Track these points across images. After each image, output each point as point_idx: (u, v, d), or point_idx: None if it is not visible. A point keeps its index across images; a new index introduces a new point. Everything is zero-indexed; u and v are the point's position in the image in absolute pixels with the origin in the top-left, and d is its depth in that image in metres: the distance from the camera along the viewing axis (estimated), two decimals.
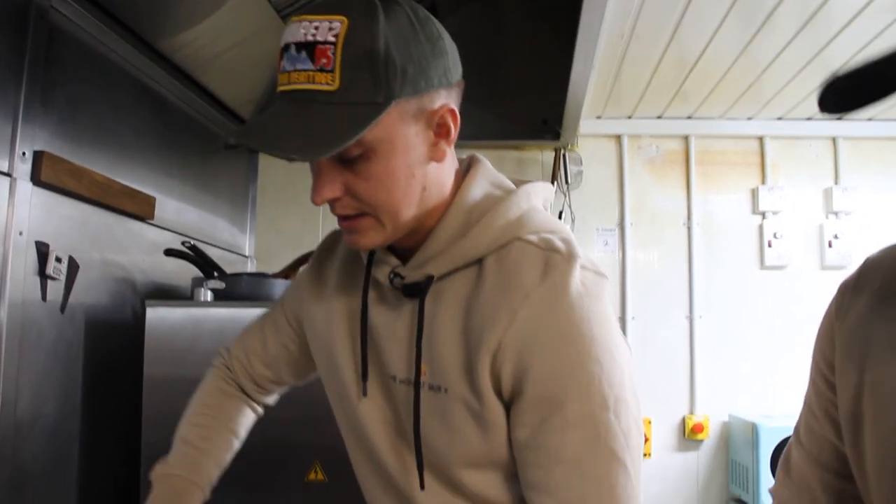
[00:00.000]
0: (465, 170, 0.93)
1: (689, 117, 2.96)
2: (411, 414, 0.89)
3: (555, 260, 0.83)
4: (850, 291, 0.79)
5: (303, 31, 0.77)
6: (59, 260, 1.61)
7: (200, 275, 2.00)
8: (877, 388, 0.70)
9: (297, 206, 2.94)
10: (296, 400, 1.54)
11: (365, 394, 0.95)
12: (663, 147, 3.00)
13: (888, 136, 2.93)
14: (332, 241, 1.10)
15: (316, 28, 0.76)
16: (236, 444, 1.16)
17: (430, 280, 0.88)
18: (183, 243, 2.00)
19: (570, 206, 2.90)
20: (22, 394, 1.51)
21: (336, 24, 0.76)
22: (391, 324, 0.92)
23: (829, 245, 2.89)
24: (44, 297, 1.59)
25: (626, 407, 0.81)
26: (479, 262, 0.87)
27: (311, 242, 1.13)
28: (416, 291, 0.89)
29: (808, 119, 2.91)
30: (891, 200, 2.93)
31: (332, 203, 0.84)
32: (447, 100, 0.84)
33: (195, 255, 1.99)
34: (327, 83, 0.76)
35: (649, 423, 2.85)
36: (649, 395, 2.83)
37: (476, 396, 0.84)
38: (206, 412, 1.15)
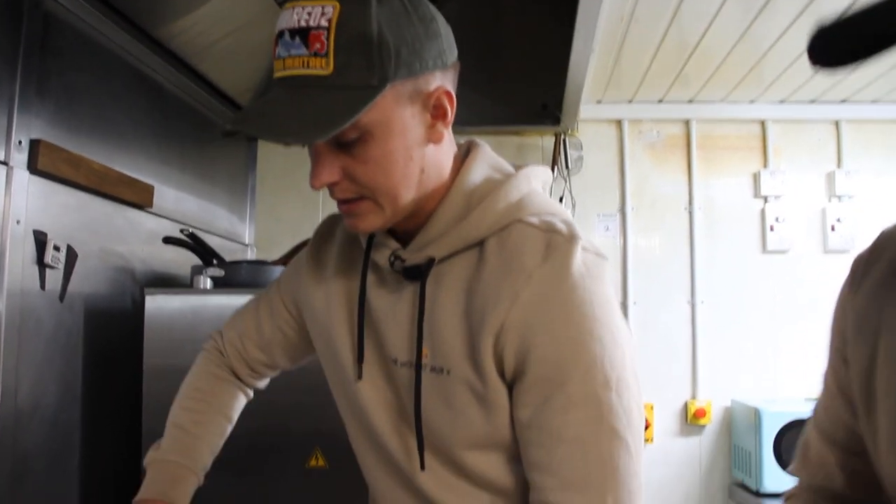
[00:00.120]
0: (465, 154, 0.94)
1: (690, 101, 2.94)
2: (412, 396, 0.89)
3: (556, 241, 0.84)
4: (864, 265, 0.78)
5: (296, 16, 0.77)
6: (57, 248, 1.61)
7: (200, 263, 2.00)
8: (889, 360, 0.69)
9: (297, 193, 2.94)
10: (296, 387, 1.54)
11: (360, 377, 0.95)
12: (664, 131, 2.98)
13: (892, 118, 2.91)
14: (329, 225, 1.09)
15: (309, 13, 0.77)
16: (228, 429, 1.16)
17: (431, 262, 0.88)
18: (181, 231, 2.00)
19: (570, 192, 2.89)
20: (22, 383, 1.51)
21: (329, 9, 0.76)
22: (391, 307, 0.93)
23: (832, 229, 2.88)
24: (42, 286, 1.58)
25: (628, 387, 0.82)
26: (480, 244, 0.88)
27: (311, 230, 1.12)
28: (417, 274, 0.89)
29: (811, 102, 2.90)
30: (894, 184, 2.92)
31: (331, 187, 0.84)
32: (443, 81, 0.84)
33: (193, 243, 1.98)
34: (321, 68, 0.76)
35: (651, 408, 2.85)
36: (651, 381, 2.83)
37: (479, 377, 0.84)
38: (198, 396, 1.14)
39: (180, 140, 2.30)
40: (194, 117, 2.41)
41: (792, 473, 0.95)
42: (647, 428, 2.77)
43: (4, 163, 1.47)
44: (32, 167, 1.53)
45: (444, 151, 0.89)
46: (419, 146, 0.84)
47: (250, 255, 2.86)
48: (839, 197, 2.91)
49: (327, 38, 0.76)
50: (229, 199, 2.73)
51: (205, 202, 2.48)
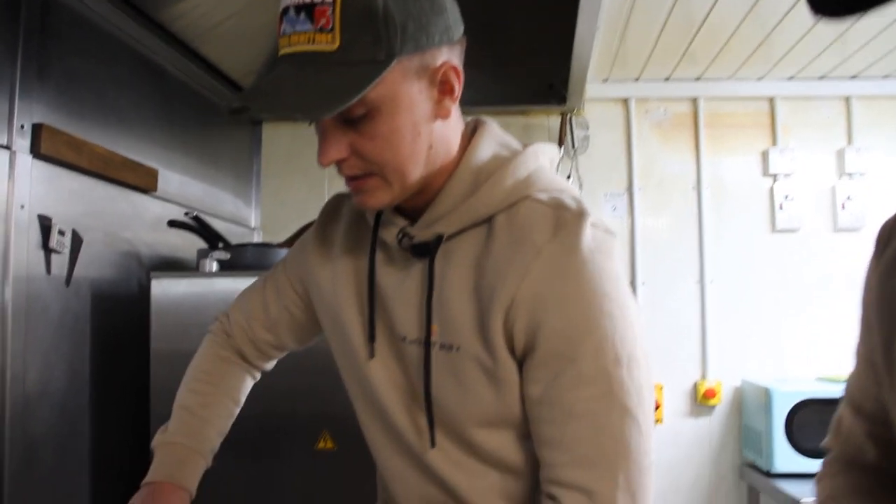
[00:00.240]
0: (472, 132, 0.93)
1: (697, 79, 2.90)
2: (421, 374, 0.89)
3: (565, 217, 0.84)
4: (888, 232, 0.78)
5: None
6: (62, 233, 1.61)
7: (205, 246, 1.99)
8: None
9: (302, 176, 2.93)
10: (304, 369, 1.54)
11: (372, 355, 0.95)
12: (671, 110, 2.95)
13: None
14: (335, 204, 1.09)
15: None
16: (235, 412, 1.16)
17: (439, 239, 0.88)
18: (186, 214, 1.99)
19: (577, 172, 2.87)
20: (30, 368, 1.51)
21: None
22: (400, 284, 0.92)
23: (842, 207, 2.85)
24: (48, 271, 1.58)
25: (638, 364, 0.82)
26: (489, 221, 0.88)
27: (317, 212, 1.12)
28: (426, 251, 0.89)
29: (821, 78, 2.86)
30: None
31: (339, 164, 0.84)
32: (449, 56, 0.84)
33: (198, 226, 1.98)
34: (327, 43, 0.76)
35: (661, 388, 2.84)
36: (660, 361, 2.82)
37: (489, 353, 0.84)
38: (205, 379, 1.14)
39: (184, 124, 2.29)
40: (197, 101, 2.40)
41: (824, 447, 0.95)
42: (656, 409, 2.77)
43: (7, 147, 1.47)
44: (35, 151, 1.53)
45: (452, 127, 0.89)
46: (427, 122, 0.84)
47: (256, 238, 2.86)
48: (849, 174, 2.87)
49: (333, 14, 0.75)
50: (234, 182, 2.73)
51: (210, 186, 2.48)
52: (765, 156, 2.90)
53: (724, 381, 2.85)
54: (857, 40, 2.47)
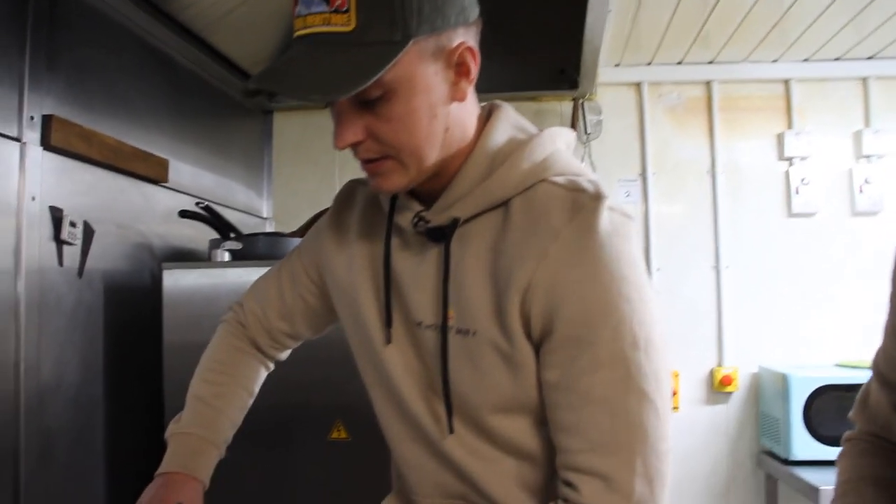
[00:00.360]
0: (487, 116, 0.92)
1: (710, 62, 2.86)
2: (439, 359, 0.89)
3: (582, 200, 0.83)
4: None
5: None
6: (73, 224, 1.61)
7: (217, 237, 1.99)
8: None
9: (313, 166, 2.92)
10: (317, 360, 1.53)
11: (389, 341, 0.95)
12: (685, 94, 2.91)
13: None
14: (350, 191, 1.08)
15: None
16: (249, 402, 1.15)
17: (455, 223, 0.88)
18: (197, 204, 1.99)
19: (590, 157, 2.84)
20: (44, 360, 1.51)
21: None
22: (415, 269, 0.92)
23: (860, 190, 2.81)
24: (60, 263, 1.58)
25: (656, 348, 0.81)
26: (505, 204, 0.87)
27: (328, 201, 1.11)
28: (441, 235, 0.89)
29: (837, 60, 2.81)
30: None
31: (355, 147, 0.83)
32: (465, 38, 0.83)
33: (210, 216, 1.97)
34: (343, 24, 0.75)
35: (677, 375, 2.82)
36: (676, 348, 2.79)
37: (506, 338, 0.84)
38: (219, 369, 1.13)
39: (194, 114, 2.29)
40: (208, 91, 2.39)
41: (850, 420, 0.94)
42: (672, 396, 2.75)
43: (17, 139, 1.47)
44: (45, 143, 1.53)
45: (468, 110, 0.88)
46: (443, 104, 0.83)
47: (269, 228, 2.86)
48: (867, 157, 2.82)
49: None
50: (246, 173, 2.73)
51: (221, 176, 2.48)
52: (780, 139, 2.86)
53: (741, 367, 2.83)
54: (873, 20, 2.43)
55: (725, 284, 2.85)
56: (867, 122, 2.84)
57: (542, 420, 0.87)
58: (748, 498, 2.80)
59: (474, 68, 0.84)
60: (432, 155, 0.84)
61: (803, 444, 2.39)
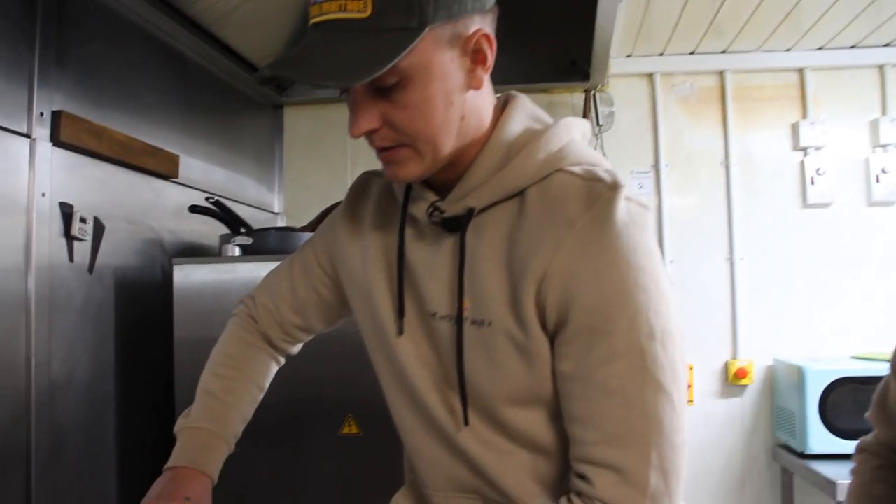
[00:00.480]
0: (503, 106, 0.92)
1: (723, 52, 2.83)
2: (453, 350, 0.88)
3: (599, 189, 0.82)
4: None
5: None
6: (83, 220, 1.61)
7: (228, 232, 1.99)
8: None
9: (324, 160, 2.92)
10: (328, 355, 1.53)
11: (401, 332, 0.94)
12: (697, 84, 2.88)
13: None
14: (364, 182, 1.08)
15: None
16: (259, 397, 1.15)
17: (470, 212, 0.87)
18: (207, 199, 1.99)
19: (602, 149, 2.82)
20: (55, 356, 1.52)
21: None
22: (430, 260, 0.91)
23: (877, 180, 2.77)
24: (71, 259, 1.58)
25: (672, 339, 0.80)
26: (521, 194, 0.86)
27: (339, 196, 1.11)
28: (456, 225, 0.88)
29: (852, 47, 2.77)
30: None
31: (371, 135, 0.83)
32: (482, 25, 0.82)
33: (220, 211, 1.97)
34: (359, 11, 0.75)
35: (691, 368, 2.80)
36: (690, 341, 2.73)
37: (521, 328, 0.83)
38: (229, 363, 1.13)
39: (204, 109, 2.28)
40: (218, 85, 2.39)
41: (867, 420, 0.92)
42: (687, 389, 2.73)
43: (27, 135, 1.47)
44: (55, 139, 1.53)
45: (484, 98, 0.88)
46: (459, 92, 0.83)
47: (280, 223, 2.86)
48: (884, 146, 2.79)
49: None
50: (257, 168, 2.72)
51: (232, 172, 2.47)
52: (795, 129, 2.83)
53: (756, 360, 2.80)
54: (890, 7, 2.39)
55: (740, 276, 2.82)
56: (884, 111, 2.81)
57: (557, 412, 0.86)
58: (763, 492, 2.78)
59: (491, 56, 0.83)
60: (448, 143, 0.84)
61: (819, 438, 2.37)
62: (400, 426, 1.01)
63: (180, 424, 1.07)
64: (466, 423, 0.90)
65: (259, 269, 1.79)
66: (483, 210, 0.87)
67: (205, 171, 2.24)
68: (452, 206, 0.88)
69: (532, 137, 0.87)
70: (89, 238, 1.64)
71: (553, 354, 0.84)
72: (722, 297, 2.83)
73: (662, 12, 2.45)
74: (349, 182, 1.10)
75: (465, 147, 0.87)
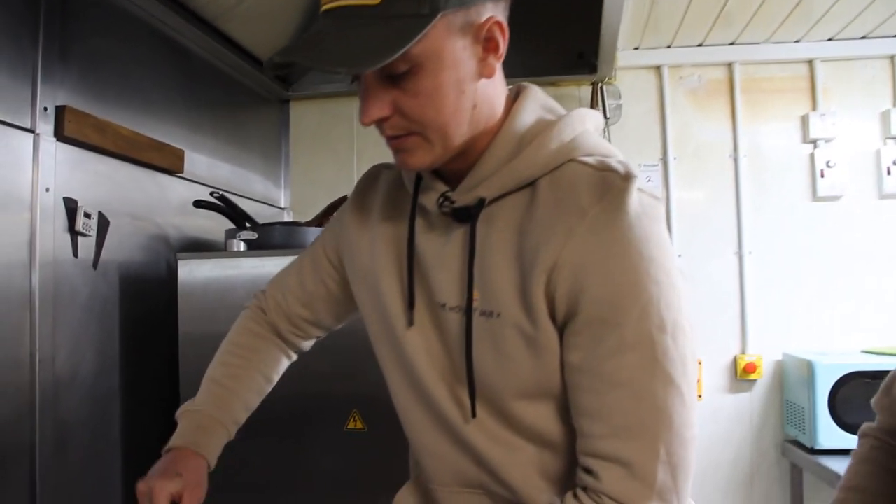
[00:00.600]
0: (515, 97, 0.91)
1: (732, 43, 2.80)
2: (461, 342, 0.88)
3: (612, 179, 0.81)
4: None
5: None
6: (88, 216, 1.60)
7: (234, 227, 1.98)
8: None
9: (331, 155, 2.91)
10: (333, 351, 1.52)
11: (411, 323, 0.93)
12: (706, 76, 2.86)
13: None
14: (374, 174, 1.08)
15: None
16: (266, 388, 1.15)
17: (481, 203, 0.86)
18: (211, 193, 1.98)
19: (609, 142, 2.79)
20: (59, 351, 1.52)
21: None
22: (440, 250, 0.91)
23: (888, 172, 2.74)
24: (75, 254, 1.58)
25: (683, 332, 0.80)
26: (532, 184, 0.86)
27: (346, 190, 1.10)
28: (467, 216, 0.87)
29: (863, 38, 2.74)
30: None
31: (381, 123, 0.83)
32: (494, 12, 0.82)
33: (225, 206, 1.96)
34: None
35: (699, 363, 2.78)
36: (699, 336, 2.73)
37: (529, 319, 0.82)
38: (236, 352, 1.13)
39: (209, 104, 2.28)
40: (223, 80, 2.38)
41: (872, 406, 0.92)
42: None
43: (31, 130, 1.47)
44: (59, 134, 1.53)
45: (496, 88, 0.87)
46: (471, 80, 0.82)
47: (287, 218, 2.85)
48: (895, 138, 2.76)
49: None
50: (263, 162, 2.72)
51: (238, 167, 2.47)
52: (804, 121, 2.80)
53: (765, 354, 2.78)
54: None
55: (749, 270, 2.80)
56: (895, 102, 2.77)
57: (565, 407, 0.86)
58: (772, 487, 2.76)
59: (503, 44, 0.83)
60: (459, 132, 0.83)
61: (829, 433, 2.35)
62: (405, 420, 1.00)
63: (182, 409, 1.08)
64: (474, 415, 0.89)
65: (264, 265, 1.79)
66: (494, 200, 0.87)
67: (210, 166, 2.23)
68: (463, 197, 0.87)
69: (544, 128, 0.86)
70: (94, 233, 1.63)
71: (562, 346, 0.83)
72: (730, 292, 2.81)
73: (670, 4, 2.42)
74: (356, 177, 1.09)
75: (477, 137, 0.86)
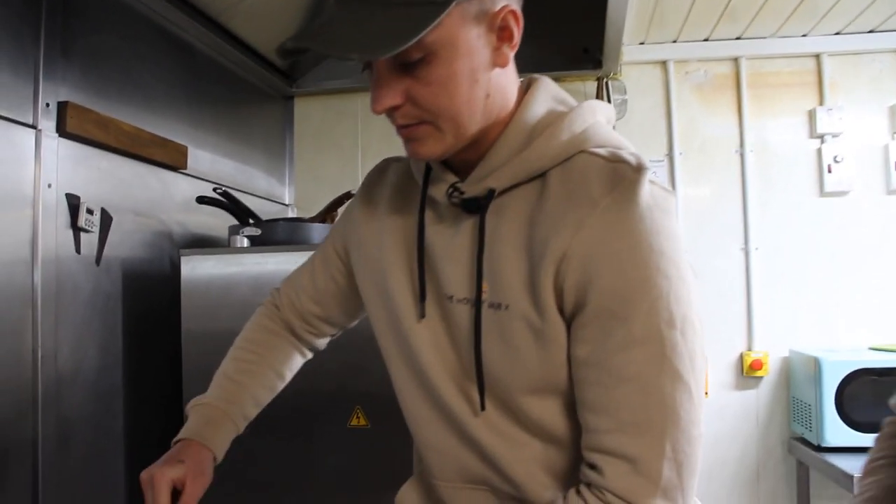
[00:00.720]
0: (526, 89, 0.90)
1: (738, 38, 2.79)
2: (470, 335, 0.87)
3: (623, 170, 0.80)
4: None
5: None
6: (90, 212, 1.60)
7: (237, 223, 1.98)
8: None
9: (335, 152, 2.90)
10: (336, 348, 1.51)
11: (423, 315, 0.92)
12: (712, 71, 2.84)
13: None
14: (382, 168, 1.07)
15: None
16: (278, 384, 1.14)
17: (491, 194, 0.86)
18: (214, 189, 1.98)
19: None
20: (61, 348, 1.51)
21: None
22: (449, 242, 0.90)
23: None
24: (78, 250, 1.58)
25: (693, 327, 0.79)
26: (542, 176, 0.85)
27: (350, 186, 1.10)
28: (477, 207, 0.87)
29: (870, 32, 2.72)
30: None
31: (393, 112, 0.82)
32: (509, 1, 0.81)
33: (228, 202, 1.96)
34: None
35: (706, 360, 2.76)
36: (705, 332, 2.73)
37: (537, 311, 0.81)
38: (248, 348, 1.13)
39: (213, 100, 2.27)
40: (226, 76, 2.38)
41: (891, 407, 0.91)
42: None
43: (33, 126, 1.46)
44: (61, 130, 1.52)
45: (509, 78, 0.86)
46: (485, 70, 0.81)
47: (291, 215, 2.85)
48: None
49: None
50: (267, 159, 2.71)
51: (242, 163, 2.46)
52: (811, 116, 2.78)
53: (772, 351, 2.77)
54: None
55: (755, 266, 2.78)
56: None
57: (572, 402, 0.85)
58: (778, 485, 2.75)
59: (517, 33, 0.82)
60: (472, 121, 0.82)
61: (836, 430, 2.34)
62: (409, 415, 1.00)
63: (192, 402, 1.08)
64: (483, 408, 0.88)
65: (267, 261, 1.78)
66: (504, 192, 0.86)
67: (213, 162, 2.23)
68: (473, 188, 0.87)
69: (555, 119, 0.85)
70: (96, 229, 1.63)
71: (569, 340, 0.82)
72: (737, 288, 2.79)
73: None
74: (360, 173, 1.09)
75: (488, 127, 0.85)
